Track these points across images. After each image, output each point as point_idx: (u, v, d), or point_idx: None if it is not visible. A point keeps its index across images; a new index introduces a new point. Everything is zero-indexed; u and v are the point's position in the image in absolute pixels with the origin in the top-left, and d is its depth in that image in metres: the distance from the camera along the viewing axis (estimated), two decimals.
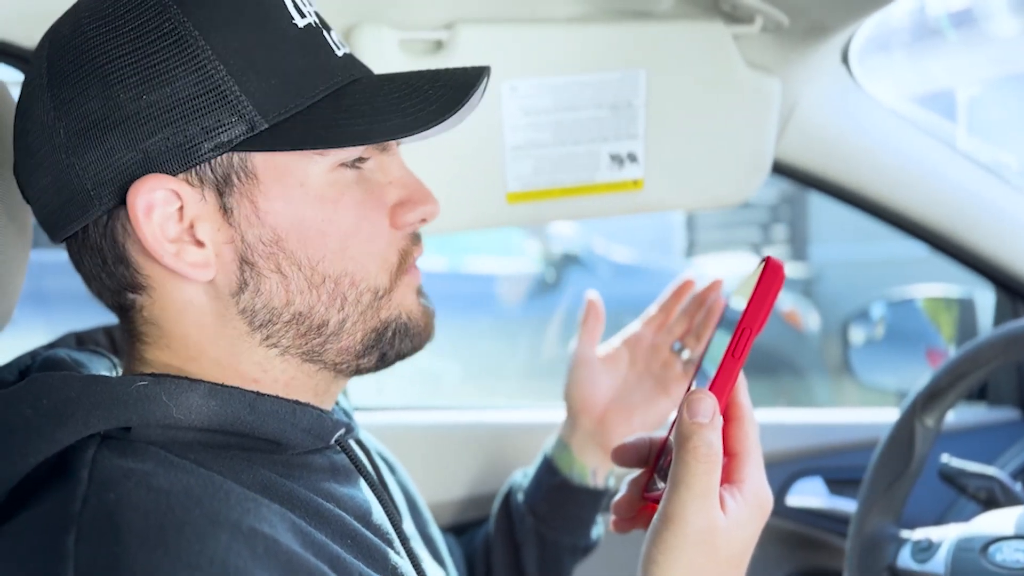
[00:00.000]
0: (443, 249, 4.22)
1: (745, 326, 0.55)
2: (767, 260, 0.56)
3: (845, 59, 1.09)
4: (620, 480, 0.95)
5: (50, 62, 0.56)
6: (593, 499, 0.94)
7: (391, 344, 0.63)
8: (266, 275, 0.58)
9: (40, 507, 0.50)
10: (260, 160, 0.57)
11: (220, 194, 0.56)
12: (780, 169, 1.15)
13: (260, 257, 0.57)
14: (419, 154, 0.88)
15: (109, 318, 0.64)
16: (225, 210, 0.57)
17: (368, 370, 0.64)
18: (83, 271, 0.60)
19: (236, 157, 0.56)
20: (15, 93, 0.66)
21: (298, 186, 0.57)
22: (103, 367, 0.65)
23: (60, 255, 0.62)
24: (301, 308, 0.59)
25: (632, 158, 0.99)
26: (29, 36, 0.85)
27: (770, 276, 0.55)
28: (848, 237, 5.64)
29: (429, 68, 0.62)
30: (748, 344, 0.55)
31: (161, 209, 0.55)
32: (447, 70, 0.61)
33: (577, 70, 0.95)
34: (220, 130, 0.55)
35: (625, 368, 0.96)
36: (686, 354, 0.96)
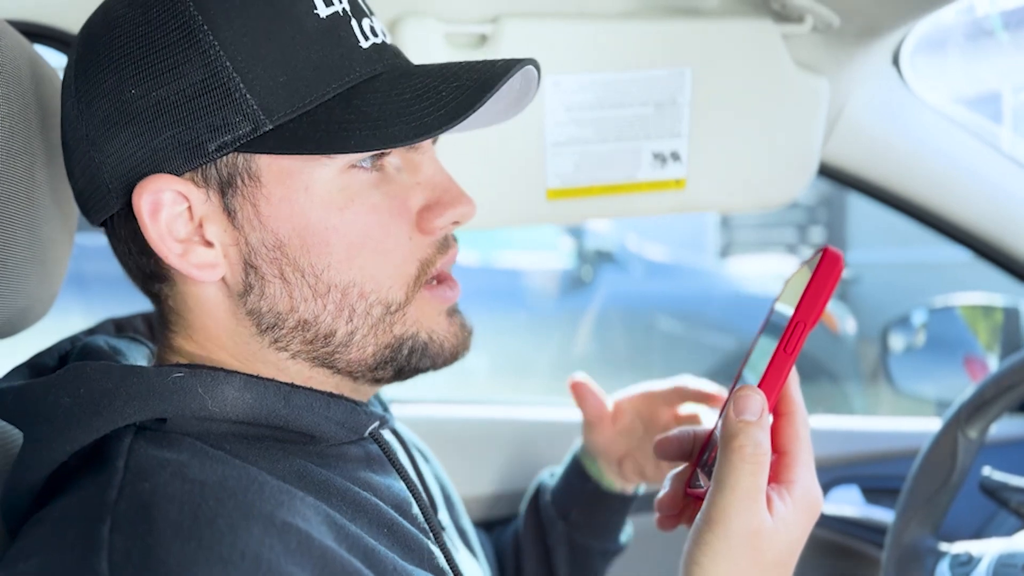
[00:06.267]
0: (475, 244, 4.21)
1: (799, 319, 0.53)
2: (825, 250, 0.54)
3: (896, 60, 1.07)
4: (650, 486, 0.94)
5: (78, 55, 0.56)
6: (624, 504, 0.93)
7: (407, 360, 0.60)
8: (269, 280, 0.56)
9: (76, 495, 0.50)
10: (264, 162, 0.55)
11: (223, 195, 0.55)
12: (826, 171, 1.13)
13: (263, 261, 0.56)
14: (459, 148, 0.88)
15: (146, 305, 0.64)
16: (228, 212, 0.55)
17: (387, 381, 0.62)
18: (117, 256, 0.60)
19: (241, 158, 0.54)
20: None
21: (302, 190, 0.55)
22: (141, 355, 0.65)
23: (100, 239, 0.62)
24: (306, 316, 0.57)
25: (675, 157, 0.98)
26: (77, 22, 0.86)
27: (828, 267, 0.53)
28: (886, 240, 5.56)
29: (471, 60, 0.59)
30: (802, 339, 0.53)
31: (169, 209, 0.54)
32: (477, 64, 0.56)
33: (622, 66, 0.94)
34: (225, 129, 0.53)
35: (641, 433, 0.90)
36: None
